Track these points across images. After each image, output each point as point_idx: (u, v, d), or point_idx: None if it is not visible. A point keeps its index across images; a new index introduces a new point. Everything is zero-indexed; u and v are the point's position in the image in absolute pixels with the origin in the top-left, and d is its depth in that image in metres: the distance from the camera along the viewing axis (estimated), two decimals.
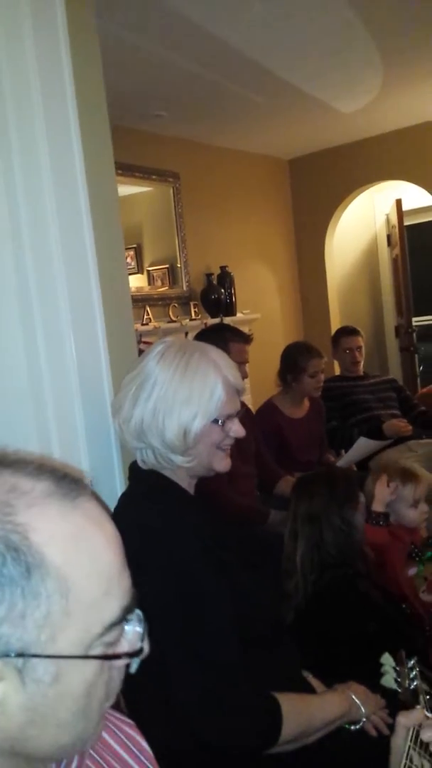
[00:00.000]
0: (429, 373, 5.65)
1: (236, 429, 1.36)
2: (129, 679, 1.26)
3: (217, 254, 4.70)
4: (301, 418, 3.33)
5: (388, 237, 5.95)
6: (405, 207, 5.56)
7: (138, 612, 0.67)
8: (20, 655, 0.58)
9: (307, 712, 1.25)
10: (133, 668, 0.67)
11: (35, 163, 1.48)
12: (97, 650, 0.62)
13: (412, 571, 2.09)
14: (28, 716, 0.60)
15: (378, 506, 2.10)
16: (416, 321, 5.82)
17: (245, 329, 4.62)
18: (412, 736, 0.92)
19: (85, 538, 0.63)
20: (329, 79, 3.85)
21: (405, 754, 0.89)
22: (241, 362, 2.71)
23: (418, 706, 0.98)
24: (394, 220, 5.65)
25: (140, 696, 1.19)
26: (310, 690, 1.37)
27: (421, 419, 3.71)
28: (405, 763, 0.88)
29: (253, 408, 3.43)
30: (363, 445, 3.02)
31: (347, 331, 3.98)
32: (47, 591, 0.59)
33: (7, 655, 0.58)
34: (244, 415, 2.91)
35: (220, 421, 1.32)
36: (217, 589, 1.22)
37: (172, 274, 4.60)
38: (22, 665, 0.59)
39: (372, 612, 1.72)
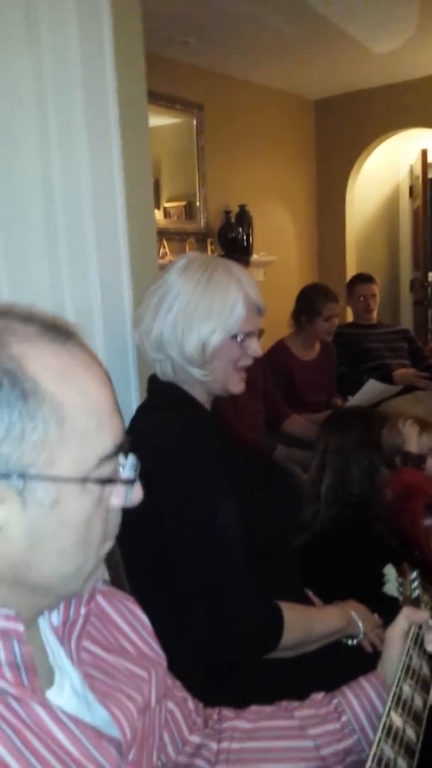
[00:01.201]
0: None
1: (255, 348, 1.36)
2: (139, 578, 1.30)
3: (236, 192, 4.62)
4: (311, 361, 3.34)
5: (411, 188, 5.84)
6: (431, 158, 5.44)
7: (132, 457, 0.71)
8: (21, 476, 0.62)
9: (308, 621, 1.29)
10: (132, 500, 0.70)
11: (67, 87, 1.45)
12: (94, 482, 0.66)
13: (429, 521, 2.11)
14: (30, 541, 0.63)
15: (413, 447, 2.07)
16: None
17: (260, 272, 4.61)
18: (413, 636, 0.95)
19: (76, 375, 0.66)
20: (366, 17, 3.72)
21: (405, 652, 0.93)
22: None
23: (424, 606, 1.01)
24: (418, 170, 5.54)
25: (148, 597, 1.23)
26: (311, 604, 1.42)
27: (431, 372, 3.72)
28: (405, 661, 0.91)
29: (264, 348, 3.42)
30: (372, 387, 3.02)
31: (363, 279, 3.95)
32: (43, 415, 0.62)
33: (8, 476, 0.61)
34: None
35: (239, 338, 1.33)
36: (228, 496, 1.25)
37: (189, 212, 4.54)
38: (22, 487, 0.62)
39: (385, 554, 1.75)
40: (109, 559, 1.35)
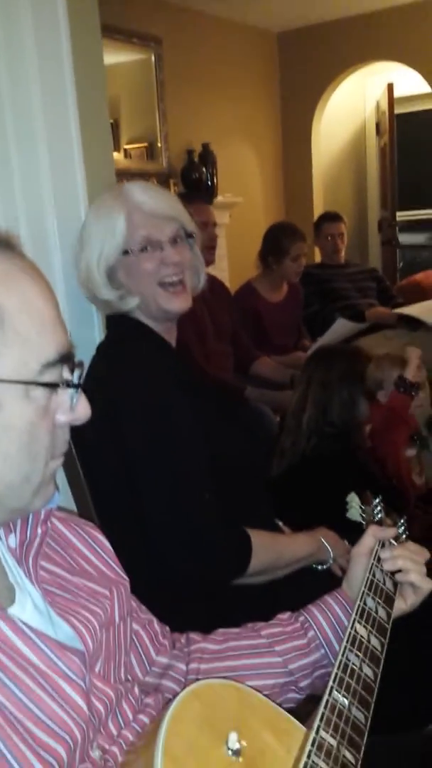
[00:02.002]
0: (409, 269, 5.62)
1: (169, 254, 1.32)
2: (107, 515, 1.32)
3: (199, 131, 4.50)
4: (279, 302, 3.33)
5: (377, 125, 5.75)
6: (397, 94, 5.35)
7: (78, 372, 0.71)
8: None
9: (276, 547, 1.32)
10: (78, 413, 0.71)
11: (16, 22, 1.38)
12: (37, 390, 0.67)
13: (410, 452, 2.16)
14: None
15: (410, 375, 2.10)
16: (400, 216, 5.74)
17: (226, 214, 4.54)
18: (376, 554, 0.98)
19: (17, 280, 0.67)
20: None
21: (368, 569, 0.96)
22: (205, 222, 2.66)
23: (391, 527, 1.04)
24: (385, 106, 5.45)
25: (117, 534, 1.25)
26: (280, 533, 1.45)
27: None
28: (368, 577, 0.94)
29: (231, 290, 3.41)
30: (341, 326, 3.04)
31: (330, 217, 3.93)
32: None
33: None
34: (221, 292, 2.92)
35: (133, 252, 1.32)
36: (191, 426, 1.26)
37: (150, 152, 4.42)
38: None
39: (365, 482, 1.80)
40: (78, 497, 1.36)
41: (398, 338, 3.48)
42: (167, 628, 0.96)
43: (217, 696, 0.72)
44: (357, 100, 5.74)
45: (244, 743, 0.69)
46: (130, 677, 0.84)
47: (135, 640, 0.88)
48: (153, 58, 4.30)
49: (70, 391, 0.70)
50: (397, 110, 5.40)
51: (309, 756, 0.71)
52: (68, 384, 0.70)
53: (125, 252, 1.32)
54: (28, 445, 0.67)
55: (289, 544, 1.35)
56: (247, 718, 0.72)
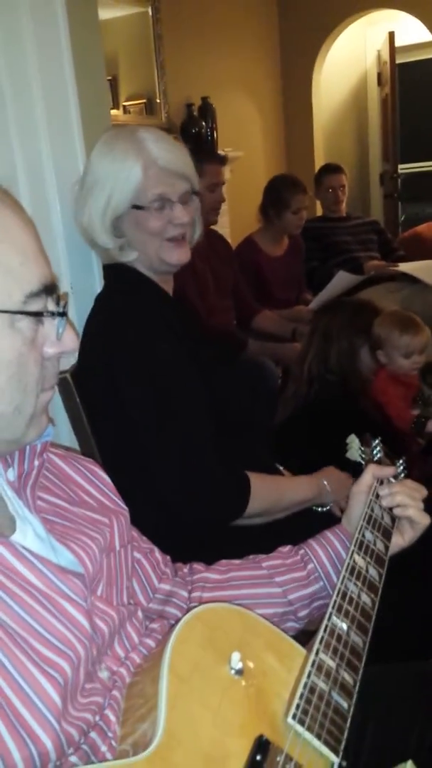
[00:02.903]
0: (411, 222, 5.56)
1: (178, 214, 1.31)
2: (110, 460, 1.34)
3: (198, 84, 4.41)
4: (281, 256, 3.31)
5: (379, 75, 5.63)
6: (399, 43, 5.22)
7: (63, 303, 0.72)
8: None
9: (277, 489, 1.34)
10: (66, 343, 0.72)
11: None
12: (23, 321, 0.68)
13: (414, 412, 2.16)
14: None
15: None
16: (402, 168, 5.66)
17: (227, 169, 4.47)
18: (374, 491, 1.00)
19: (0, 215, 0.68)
20: None
21: (367, 504, 0.98)
22: (216, 183, 2.64)
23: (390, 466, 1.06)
24: (386, 55, 5.33)
25: (120, 478, 1.28)
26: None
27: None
28: (366, 511, 0.97)
29: (232, 244, 3.39)
30: (341, 279, 3.03)
31: (331, 169, 3.87)
32: None
33: None
34: (222, 247, 2.90)
35: (145, 207, 1.29)
36: (191, 374, 1.27)
37: (150, 108, 4.35)
38: None
39: (366, 428, 1.83)
40: (83, 444, 1.39)
41: (399, 291, 3.47)
42: (168, 558, 0.99)
43: (221, 619, 0.75)
44: (358, 51, 5.61)
45: (246, 663, 0.72)
46: (133, 602, 0.87)
47: (137, 567, 0.91)
48: (150, 11, 4.20)
49: (56, 321, 0.71)
50: (399, 60, 5.28)
51: (309, 676, 0.74)
52: (53, 314, 0.71)
53: (135, 206, 1.30)
54: (18, 376, 0.68)
55: (289, 487, 1.37)
56: (249, 641, 0.75)
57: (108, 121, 1.95)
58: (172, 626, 0.72)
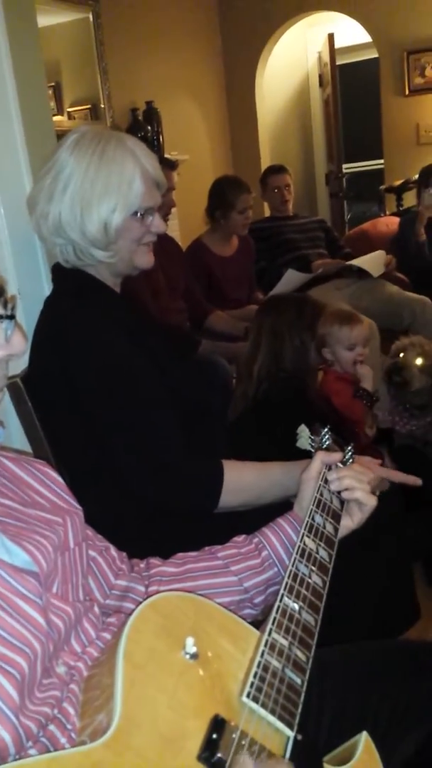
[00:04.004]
0: (357, 220, 5.67)
1: (157, 223, 1.34)
2: (66, 462, 1.34)
3: (142, 89, 4.43)
4: (230, 256, 3.34)
5: (320, 76, 5.73)
6: (338, 45, 5.32)
7: (11, 305, 0.73)
8: None
9: (253, 469, 1.34)
10: (14, 345, 0.73)
11: None
12: None
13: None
14: None
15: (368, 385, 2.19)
16: (347, 168, 5.77)
17: (174, 172, 4.50)
18: (323, 476, 1.03)
19: None
20: None
21: (316, 489, 1.01)
22: (168, 188, 2.65)
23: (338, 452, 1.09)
24: (326, 57, 5.43)
25: (77, 479, 1.28)
26: None
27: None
28: (316, 496, 1.00)
29: (183, 247, 3.40)
30: (291, 277, 3.07)
31: (274, 170, 3.92)
32: None
33: None
34: (173, 249, 2.91)
35: (139, 214, 1.30)
36: (145, 368, 1.28)
37: (95, 113, 4.34)
38: None
39: (318, 419, 1.86)
40: (36, 448, 1.39)
41: (348, 287, 3.54)
42: (124, 554, 1.00)
43: (174, 607, 0.76)
44: (299, 52, 5.71)
45: (200, 647, 0.74)
46: (89, 598, 0.88)
47: (92, 565, 0.92)
48: (91, 16, 4.19)
49: (4, 324, 0.72)
50: (339, 61, 5.39)
51: (262, 655, 0.76)
52: (1, 317, 0.71)
53: (135, 213, 1.29)
54: None
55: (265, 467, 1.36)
56: (203, 626, 0.77)
57: (51, 127, 1.95)
58: (128, 616, 0.73)
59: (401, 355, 2.47)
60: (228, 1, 5.16)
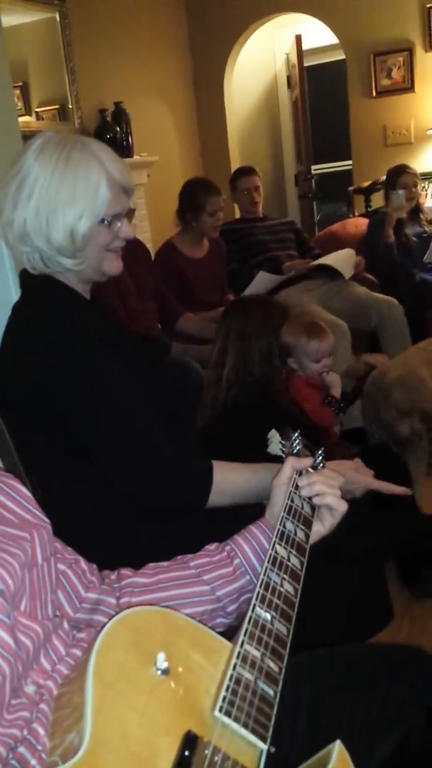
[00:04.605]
0: (326, 221, 5.71)
1: (126, 229, 1.32)
2: (37, 471, 1.32)
3: (110, 90, 4.40)
4: (202, 258, 3.33)
5: (288, 78, 5.75)
6: (306, 46, 5.35)
7: None
8: None
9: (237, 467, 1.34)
10: None
11: None
12: None
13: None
14: None
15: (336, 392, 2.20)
16: (316, 169, 5.80)
17: (143, 173, 4.48)
18: (293, 482, 1.03)
19: None
20: None
21: (287, 495, 1.00)
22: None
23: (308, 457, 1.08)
24: (294, 58, 5.45)
25: (50, 489, 1.27)
26: None
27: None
28: (287, 503, 0.99)
29: (152, 249, 3.39)
30: (262, 279, 3.08)
31: (243, 172, 3.92)
32: None
33: None
34: (139, 251, 2.90)
35: (106, 221, 1.29)
36: (120, 374, 1.27)
37: (62, 114, 4.30)
38: None
39: (285, 423, 1.86)
40: (7, 464, 1.36)
41: (318, 288, 3.56)
42: (95, 566, 0.98)
43: (145, 622, 0.75)
44: (267, 54, 5.72)
45: (172, 662, 0.73)
46: (59, 614, 0.86)
47: (62, 579, 0.91)
48: (58, 16, 4.15)
49: None
50: (307, 62, 5.41)
51: (234, 668, 0.75)
52: None
53: (102, 220, 1.28)
54: None
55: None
56: (174, 640, 0.76)
57: (16, 127, 1.93)
58: (98, 632, 0.71)
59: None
60: (196, 2, 5.15)
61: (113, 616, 0.93)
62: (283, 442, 1.19)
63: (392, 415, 2.28)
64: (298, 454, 1.14)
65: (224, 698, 0.72)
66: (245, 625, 0.80)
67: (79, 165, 1.24)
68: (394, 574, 2.22)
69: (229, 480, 1.30)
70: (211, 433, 1.87)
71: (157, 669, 0.72)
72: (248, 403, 1.93)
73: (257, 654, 0.78)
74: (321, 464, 1.12)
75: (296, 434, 1.21)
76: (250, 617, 0.81)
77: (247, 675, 0.75)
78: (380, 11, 4.60)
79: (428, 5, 4.45)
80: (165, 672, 0.72)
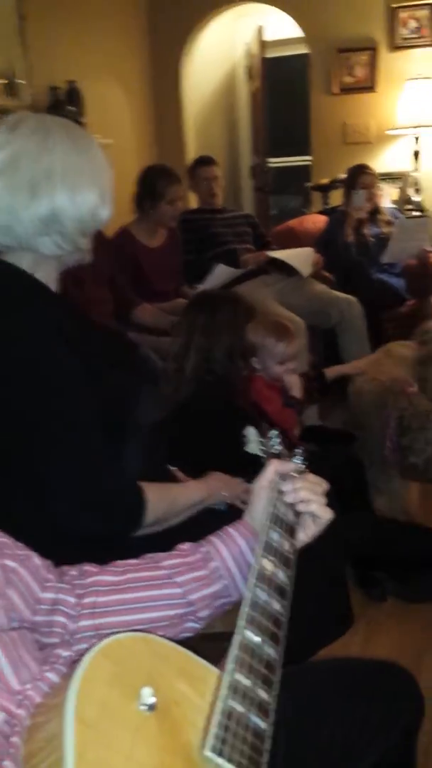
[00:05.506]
0: (282, 216, 5.68)
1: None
2: None
3: (64, 68, 4.22)
4: (158, 248, 3.24)
5: (248, 69, 5.68)
6: (268, 38, 5.28)
7: None
8: None
9: (170, 496, 1.29)
10: None
11: None
12: None
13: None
14: None
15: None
16: (273, 162, 5.75)
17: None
18: (277, 487, 0.96)
19: None
20: None
21: (272, 502, 0.93)
22: None
23: (292, 459, 1.02)
24: (255, 50, 5.38)
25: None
26: (175, 481, 1.42)
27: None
28: (271, 510, 0.92)
29: (106, 233, 3.26)
30: (220, 272, 3.01)
31: (204, 161, 3.85)
32: None
33: None
34: (97, 238, 2.79)
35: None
36: (82, 383, 1.18)
37: (11, 89, 4.10)
38: None
39: (246, 421, 1.81)
40: None
41: (276, 284, 3.52)
42: (50, 562, 0.90)
43: (127, 651, 0.67)
44: (227, 43, 5.63)
45: (158, 696, 0.65)
46: (16, 619, 0.77)
47: (13, 578, 0.81)
48: None
49: None
50: (267, 54, 5.35)
51: (225, 700, 0.68)
52: None
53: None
54: None
55: (181, 492, 1.33)
56: (159, 671, 0.68)
57: None
58: (75, 663, 0.63)
59: None
60: None
61: (74, 616, 0.86)
62: (261, 440, 1.12)
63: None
64: (278, 455, 1.08)
65: (216, 736, 0.64)
66: (234, 651, 0.73)
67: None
68: (350, 577, 2.20)
69: (160, 507, 1.25)
70: (171, 427, 1.80)
71: (142, 704, 0.64)
72: (208, 400, 1.87)
73: (248, 683, 0.71)
74: (303, 466, 1.06)
75: (275, 432, 1.14)
76: (239, 641, 0.74)
77: (239, 707, 0.68)
78: (347, 8, 4.56)
79: (393, 5, 4.45)
80: (151, 708, 0.64)
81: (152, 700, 0.64)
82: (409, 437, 2.14)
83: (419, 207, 4.46)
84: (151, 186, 3.10)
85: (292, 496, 0.95)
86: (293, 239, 4.09)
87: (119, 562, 0.95)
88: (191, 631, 0.94)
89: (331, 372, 2.44)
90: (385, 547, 2.19)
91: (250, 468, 1.21)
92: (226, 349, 1.90)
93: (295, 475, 1.00)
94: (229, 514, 1.36)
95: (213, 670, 0.74)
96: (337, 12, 4.59)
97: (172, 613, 0.91)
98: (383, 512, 2.38)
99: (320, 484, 0.99)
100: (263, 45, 5.26)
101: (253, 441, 1.10)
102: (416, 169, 4.49)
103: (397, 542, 2.19)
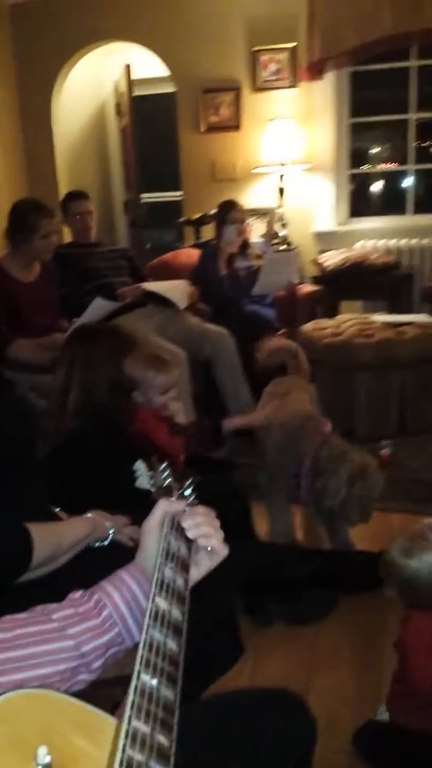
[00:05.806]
0: (156, 250, 5.73)
1: None
2: None
3: None
4: (33, 282, 3.17)
5: (118, 106, 5.73)
6: (136, 76, 5.36)
7: None
8: None
9: (55, 535, 1.25)
10: None
11: None
12: None
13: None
14: None
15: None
16: (145, 197, 5.81)
17: None
18: (168, 522, 0.95)
19: None
20: None
21: (163, 538, 0.92)
22: None
23: (179, 498, 1.01)
24: (123, 87, 5.44)
25: None
26: (58, 520, 1.38)
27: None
28: (163, 546, 0.91)
29: None
30: (98, 306, 2.99)
31: (75, 195, 3.84)
32: None
33: None
34: None
35: None
36: None
37: None
38: None
39: (132, 455, 1.78)
40: None
41: (155, 316, 3.53)
42: None
43: (20, 709, 0.64)
44: (96, 80, 5.67)
45: (54, 754, 0.62)
46: None
47: None
48: None
49: None
50: (136, 92, 5.43)
51: (123, 750, 0.65)
52: None
53: None
54: None
55: (65, 530, 1.31)
56: (55, 727, 0.65)
57: None
58: None
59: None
60: (22, 23, 4.97)
61: None
62: (151, 473, 1.12)
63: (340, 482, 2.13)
64: (169, 488, 1.07)
65: None
66: (131, 696, 0.71)
67: None
68: (239, 604, 2.20)
69: (46, 547, 1.22)
70: (55, 464, 1.75)
71: (38, 765, 0.60)
72: (92, 436, 1.84)
73: (146, 730, 0.69)
74: (192, 497, 1.06)
75: (164, 465, 1.14)
76: (135, 686, 0.72)
77: (138, 756, 0.66)
78: (211, 49, 4.73)
79: (254, 48, 4.67)
80: (47, 767, 0.61)
81: (48, 759, 0.61)
82: (322, 479, 2.15)
83: (285, 240, 4.66)
84: (23, 220, 3.05)
85: (195, 531, 0.94)
86: (169, 272, 4.14)
87: (7, 617, 0.90)
88: (83, 683, 0.91)
89: (228, 425, 2.45)
90: (272, 573, 2.23)
91: (140, 502, 1.20)
92: (108, 381, 1.88)
93: (186, 509, 0.99)
94: (115, 548, 1.34)
95: (110, 719, 0.71)
96: (202, 53, 4.76)
97: (63, 667, 0.87)
98: (264, 537, 2.43)
99: (216, 518, 0.99)
100: (131, 83, 5.33)
101: (143, 476, 1.09)
102: (281, 205, 4.70)
103: (282, 567, 2.23)
